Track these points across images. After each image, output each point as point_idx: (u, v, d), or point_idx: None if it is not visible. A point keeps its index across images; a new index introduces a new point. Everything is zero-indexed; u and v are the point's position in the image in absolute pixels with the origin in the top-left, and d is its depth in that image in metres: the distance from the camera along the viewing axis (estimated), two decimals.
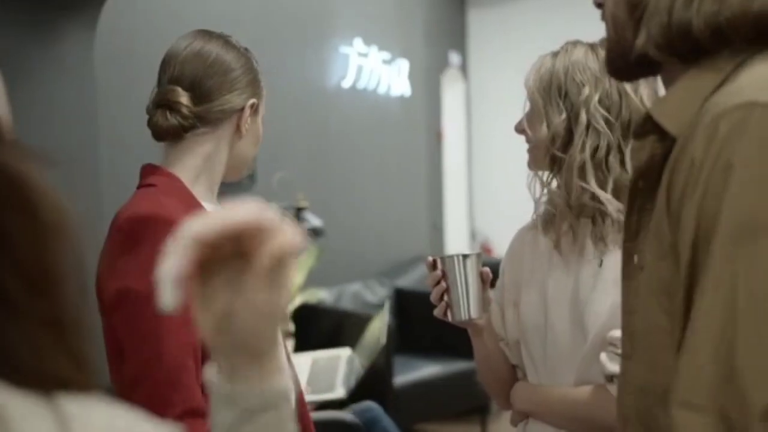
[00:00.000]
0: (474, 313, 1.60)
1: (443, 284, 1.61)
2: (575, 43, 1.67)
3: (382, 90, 5.59)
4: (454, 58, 7.41)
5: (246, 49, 1.70)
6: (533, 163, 1.68)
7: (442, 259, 1.62)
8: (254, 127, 1.69)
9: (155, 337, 1.41)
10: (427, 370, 4.48)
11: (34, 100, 2.64)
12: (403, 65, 5.87)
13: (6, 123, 0.53)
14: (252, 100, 1.66)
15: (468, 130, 7.82)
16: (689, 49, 0.88)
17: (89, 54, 2.77)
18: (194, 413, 1.38)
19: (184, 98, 1.60)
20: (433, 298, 1.62)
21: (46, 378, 0.47)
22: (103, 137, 2.85)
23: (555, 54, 1.66)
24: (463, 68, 7.69)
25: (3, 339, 0.45)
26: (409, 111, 6.17)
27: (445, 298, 1.61)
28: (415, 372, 4.39)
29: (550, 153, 1.61)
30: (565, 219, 1.65)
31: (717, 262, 0.76)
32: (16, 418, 0.44)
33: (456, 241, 7.50)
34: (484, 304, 1.62)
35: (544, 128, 1.61)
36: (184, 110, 1.60)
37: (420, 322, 4.86)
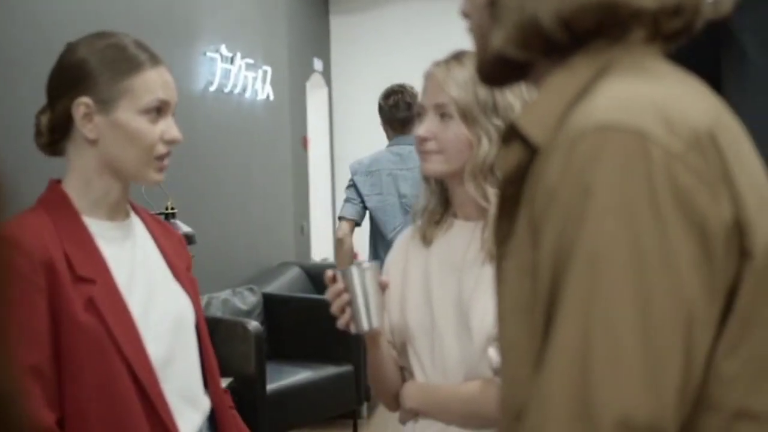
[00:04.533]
0: (376, 323, 1.62)
1: (344, 297, 1.61)
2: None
3: (248, 95, 5.55)
4: (318, 64, 7.44)
5: (114, 43, 1.56)
6: (439, 169, 1.67)
7: (343, 272, 1.62)
8: (114, 127, 1.53)
9: None
10: (298, 376, 4.47)
11: None
12: (268, 71, 5.85)
13: None
14: (80, 99, 1.53)
15: (330, 134, 7.87)
16: (545, 46, 0.87)
17: None
18: None
19: (43, 115, 1.59)
20: (335, 310, 1.63)
21: None
22: None
23: (461, 63, 1.64)
24: (326, 74, 7.73)
25: None
26: (275, 116, 6.15)
27: (347, 310, 1.62)
28: (285, 378, 4.38)
29: (478, 163, 1.61)
30: (448, 219, 1.72)
31: (572, 291, 0.75)
32: None
33: (321, 247, 7.52)
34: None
35: (485, 142, 1.61)
36: (41, 125, 1.58)
37: (289, 328, 4.85)
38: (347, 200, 4.15)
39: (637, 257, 0.74)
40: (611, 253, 0.74)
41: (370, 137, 7.28)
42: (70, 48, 1.59)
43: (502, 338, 0.91)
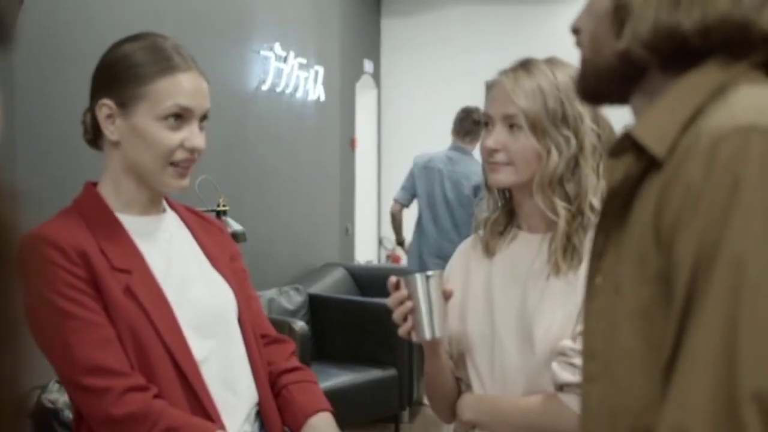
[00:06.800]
0: (438, 332, 1.58)
1: (408, 304, 1.58)
2: (547, 62, 1.63)
3: (299, 95, 5.55)
4: (368, 65, 7.44)
5: (147, 45, 1.57)
6: (508, 180, 1.64)
7: (407, 279, 1.58)
8: (133, 131, 1.55)
9: (62, 342, 1.48)
10: (342, 377, 4.46)
11: None
12: (320, 71, 5.85)
13: None
14: (103, 101, 1.55)
15: (378, 137, 7.86)
16: (675, 51, 0.87)
17: (7, 56, 2.67)
18: (130, 389, 1.47)
19: (87, 113, 1.62)
20: (397, 318, 1.60)
21: None
22: (20, 144, 2.75)
23: (528, 72, 1.62)
24: (376, 76, 7.73)
25: None
26: (325, 117, 6.15)
27: (409, 318, 1.58)
28: (329, 379, 4.36)
29: (547, 175, 1.59)
30: (510, 232, 1.69)
31: (716, 292, 0.75)
32: None
33: (365, 249, 7.52)
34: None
35: (554, 154, 1.59)
36: (85, 121, 1.63)
37: (334, 330, 4.84)
38: (402, 187, 5.33)
39: None
40: (758, 254, 0.74)
41: (417, 140, 7.26)
42: (109, 49, 1.62)
43: (604, 348, 0.92)
